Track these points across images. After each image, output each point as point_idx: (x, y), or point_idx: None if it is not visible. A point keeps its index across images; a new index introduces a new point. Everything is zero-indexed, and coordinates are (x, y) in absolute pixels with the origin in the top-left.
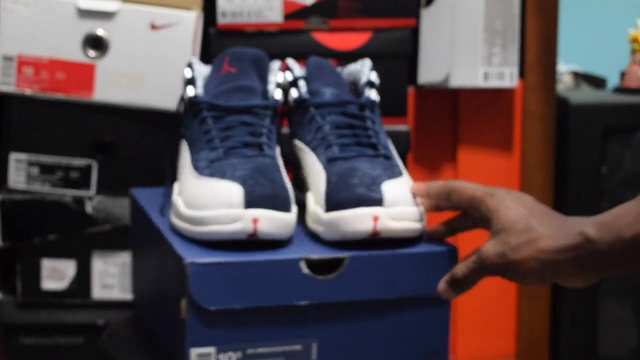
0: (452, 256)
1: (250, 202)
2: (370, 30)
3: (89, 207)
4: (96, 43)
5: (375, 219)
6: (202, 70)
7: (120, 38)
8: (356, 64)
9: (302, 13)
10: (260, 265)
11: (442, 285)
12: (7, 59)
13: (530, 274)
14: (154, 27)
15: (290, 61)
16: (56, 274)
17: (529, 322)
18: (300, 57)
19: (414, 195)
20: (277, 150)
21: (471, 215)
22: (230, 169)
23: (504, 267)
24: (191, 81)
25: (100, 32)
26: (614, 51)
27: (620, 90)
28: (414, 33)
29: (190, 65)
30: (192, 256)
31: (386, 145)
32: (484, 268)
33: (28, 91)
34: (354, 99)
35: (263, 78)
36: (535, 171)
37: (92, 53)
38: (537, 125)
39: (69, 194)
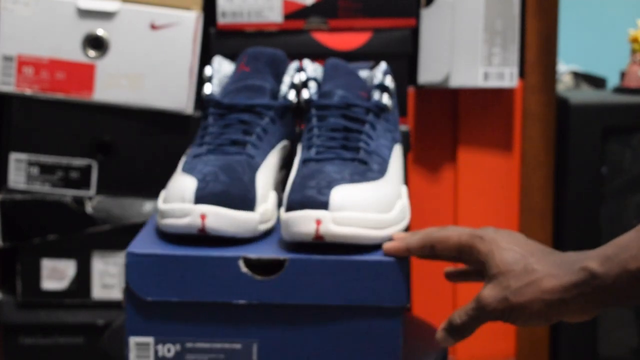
0: (401, 268)
1: (200, 197)
2: (370, 30)
3: (89, 207)
4: (96, 43)
5: (318, 222)
6: (225, 69)
7: (120, 38)
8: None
9: (302, 13)
10: (197, 261)
11: (440, 333)
12: (7, 59)
13: (536, 316)
14: (154, 27)
15: (306, 62)
16: (56, 274)
17: None
18: (300, 57)
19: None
20: (274, 150)
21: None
22: (201, 165)
23: (506, 312)
24: (209, 79)
25: (100, 32)
26: (614, 51)
27: (620, 90)
28: (414, 33)
29: (210, 63)
30: (137, 247)
31: (377, 150)
32: (485, 314)
33: (28, 91)
34: (360, 102)
35: (278, 78)
36: (535, 171)
37: (92, 53)
38: (537, 125)
39: (69, 194)
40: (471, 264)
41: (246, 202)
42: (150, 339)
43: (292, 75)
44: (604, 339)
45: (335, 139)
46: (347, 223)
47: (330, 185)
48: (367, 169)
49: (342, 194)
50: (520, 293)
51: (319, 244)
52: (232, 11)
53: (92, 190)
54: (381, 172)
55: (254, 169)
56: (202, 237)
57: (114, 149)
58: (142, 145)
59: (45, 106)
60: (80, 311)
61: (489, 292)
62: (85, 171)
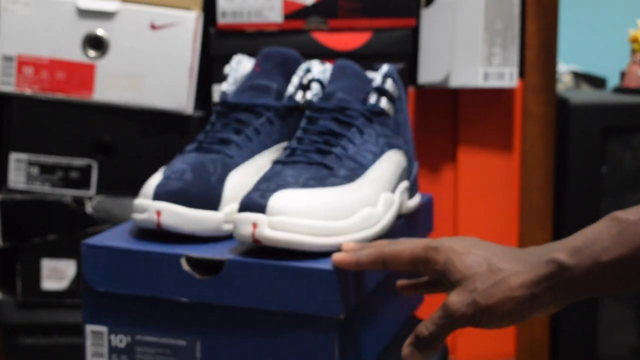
0: (338, 278)
1: (158, 194)
2: (370, 30)
3: (89, 207)
4: (96, 43)
5: (255, 225)
6: (245, 68)
7: (120, 38)
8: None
9: (302, 13)
10: (142, 255)
11: (406, 349)
12: (7, 59)
13: (508, 316)
14: (154, 27)
15: (314, 62)
16: (56, 274)
17: (529, 322)
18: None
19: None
20: (268, 151)
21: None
22: (177, 162)
23: (477, 316)
24: (225, 77)
25: (100, 32)
26: (614, 51)
27: (620, 90)
28: (414, 33)
29: (230, 62)
30: (95, 239)
31: (354, 155)
32: (454, 321)
33: (28, 91)
34: (353, 105)
35: (289, 79)
36: (535, 171)
37: (92, 53)
38: (537, 125)
39: (69, 194)
40: (428, 275)
41: (207, 201)
42: (104, 329)
43: (300, 76)
44: (604, 339)
45: (316, 142)
46: (283, 228)
47: (277, 189)
48: (331, 174)
49: (283, 199)
50: (489, 294)
51: (275, 248)
52: (232, 11)
53: (92, 190)
54: (349, 178)
55: (228, 168)
56: (166, 234)
57: (114, 149)
58: (142, 145)
59: (45, 106)
60: (80, 311)
61: (455, 298)
62: (85, 171)
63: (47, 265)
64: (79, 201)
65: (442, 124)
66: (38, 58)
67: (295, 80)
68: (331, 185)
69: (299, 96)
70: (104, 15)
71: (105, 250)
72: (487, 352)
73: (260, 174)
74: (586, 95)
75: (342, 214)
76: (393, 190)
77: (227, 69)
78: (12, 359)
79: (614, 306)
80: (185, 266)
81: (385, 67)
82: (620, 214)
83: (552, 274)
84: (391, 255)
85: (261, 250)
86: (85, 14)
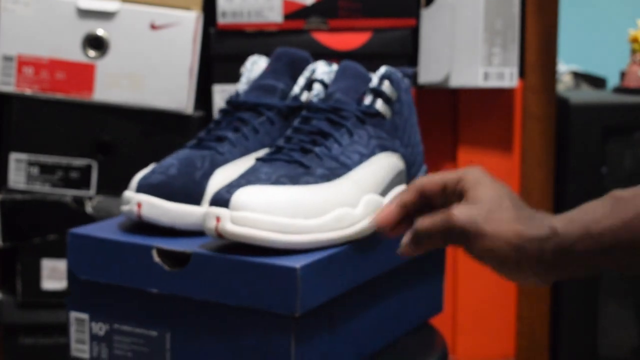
0: (292, 274)
1: (140, 187)
2: (370, 31)
3: (89, 207)
4: (96, 43)
5: (218, 219)
6: (260, 68)
7: (120, 38)
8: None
9: (302, 13)
10: (117, 245)
11: (403, 240)
12: (7, 59)
13: (494, 251)
14: (154, 27)
15: (319, 63)
16: (56, 274)
17: (529, 322)
18: None
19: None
20: (266, 150)
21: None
22: (170, 157)
23: (471, 235)
24: (239, 77)
25: (100, 32)
26: (614, 51)
27: (620, 90)
28: (414, 33)
29: (246, 62)
30: (81, 229)
31: (338, 156)
32: (450, 229)
33: (28, 91)
34: (346, 106)
35: (297, 79)
36: (535, 171)
37: (92, 53)
38: (537, 125)
39: (69, 194)
40: (451, 195)
41: (189, 195)
42: (85, 316)
43: (306, 76)
44: (604, 339)
45: (303, 142)
46: (245, 223)
47: (246, 185)
48: (306, 172)
49: (247, 194)
50: (491, 221)
51: (247, 244)
52: (232, 11)
53: (92, 190)
54: (327, 177)
55: (216, 165)
56: (152, 227)
57: (114, 149)
58: (142, 145)
59: (45, 106)
60: None
61: (461, 210)
62: (85, 171)
63: (47, 265)
64: (79, 201)
65: (442, 124)
66: (38, 58)
67: (301, 81)
68: (305, 183)
69: (304, 96)
70: (104, 15)
71: (87, 239)
72: (487, 352)
73: (222, 170)
74: (586, 95)
75: (311, 212)
76: (384, 193)
77: (242, 69)
78: (12, 359)
79: (614, 306)
80: (155, 257)
81: (382, 69)
82: (618, 191)
83: (545, 236)
84: (426, 180)
85: (232, 245)
86: (85, 14)
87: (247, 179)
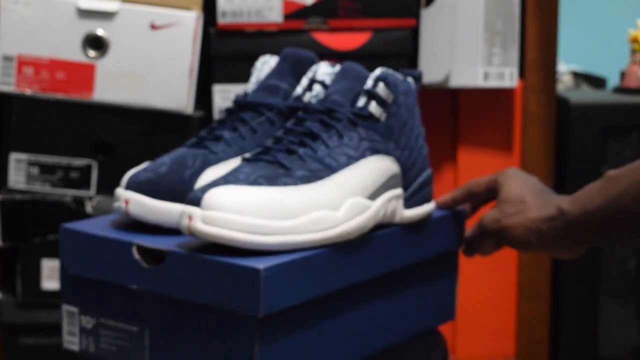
0: (259, 276)
1: (129, 184)
2: (370, 30)
3: (89, 207)
4: (96, 43)
5: (190, 218)
6: (270, 69)
7: (120, 38)
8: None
9: (302, 13)
10: (101, 241)
11: (462, 246)
12: (7, 58)
13: (518, 238)
14: (154, 27)
15: (322, 64)
16: (56, 274)
17: (529, 322)
18: None
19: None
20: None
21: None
22: (165, 155)
23: (498, 232)
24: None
25: (100, 32)
26: (614, 51)
27: (620, 90)
28: (414, 33)
29: (257, 62)
30: (74, 224)
31: (323, 158)
32: (483, 232)
33: (28, 91)
34: (342, 107)
35: (301, 80)
36: (535, 171)
37: (92, 53)
38: (537, 125)
39: (69, 194)
40: (493, 192)
41: (176, 193)
42: (75, 309)
43: (309, 77)
44: (604, 339)
45: (291, 143)
46: (215, 223)
47: (224, 184)
48: (286, 174)
49: (219, 195)
50: (510, 217)
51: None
52: (232, 11)
53: (92, 190)
54: (307, 179)
55: (207, 164)
56: (143, 224)
57: (114, 149)
58: (142, 145)
59: (45, 106)
60: None
61: (488, 214)
62: (85, 171)
63: (47, 265)
64: (79, 201)
65: (442, 124)
66: (38, 58)
67: (304, 82)
68: (283, 184)
69: (306, 97)
70: (104, 15)
71: (77, 234)
72: (487, 352)
73: (212, 169)
74: (586, 95)
75: (285, 214)
76: (373, 197)
77: (253, 69)
78: (12, 359)
79: (614, 306)
80: (135, 254)
81: (378, 71)
82: (610, 172)
83: (555, 216)
84: (473, 182)
85: (210, 245)
86: (85, 13)
87: (226, 178)
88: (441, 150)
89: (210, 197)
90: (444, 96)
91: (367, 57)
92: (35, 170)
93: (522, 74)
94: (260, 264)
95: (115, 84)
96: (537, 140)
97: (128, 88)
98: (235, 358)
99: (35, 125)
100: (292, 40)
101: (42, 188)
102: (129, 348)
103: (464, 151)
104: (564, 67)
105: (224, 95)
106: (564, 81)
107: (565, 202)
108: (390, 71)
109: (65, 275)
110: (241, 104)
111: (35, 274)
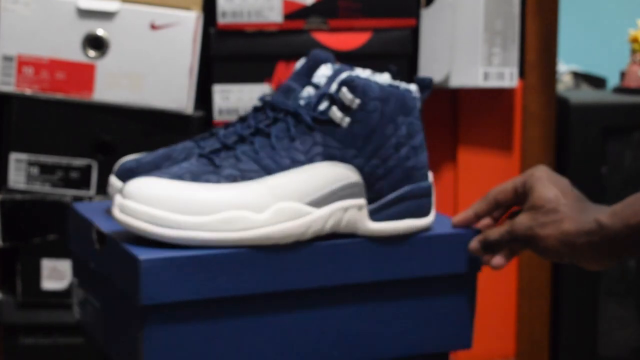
0: (138, 266)
1: (116, 171)
2: (370, 30)
3: None
4: (96, 43)
5: (115, 207)
6: None
7: (120, 38)
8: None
9: (302, 13)
10: (82, 221)
11: (474, 244)
12: (7, 58)
13: (549, 250)
14: (154, 27)
15: (323, 67)
16: (56, 274)
17: (529, 322)
18: (299, 58)
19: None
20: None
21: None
22: (170, 147)
23: (529, 239)
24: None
25: (100, 32)
26: (614, 51)
27: (620, 90)
28: (414, 33)
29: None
30: (81, 205)
31: (260, 159)
32: (513, 238)
33: (28, 91)
34: (303, 110)
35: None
36: None
37: (92, 53)
38: (537, 125)
39: (69, 194)
40: (521, 196)
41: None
42: (76, 281)
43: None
44: (604, 339)
45: (236, 141)
46: (127, 212)
47: (155, 176)
48: (213, 171)
49: (136, 185)
50: (544, 227)
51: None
52: (232, 11)
53: (92, 190)
54: (233, 178)
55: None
56: None
57: (114, 149)
58: (142, 145)
59: (45, 106)
60: None
61: (521, 220)
62: (85, 171)
63: (47, 265)
64: (79, 201)
65: (442, 124)
66: (38, 58)
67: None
68: (204, 181)
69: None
70: (104, 15)
71: (74, 213)
72: (487, 352)
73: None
74: (586, 95)
75: (194, 210)
76: (318, 204)
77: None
78: (12, 359)
79: (614, 306)
80: (93, 235)
81: (344, 74)
82: None
83: (592, 230)
84: (498, 191)
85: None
86: (85, 13)
87: (162, 171)
88: (441, 150)
89: (128, 186)
90: (444, 96)
91: (367, 57)
92: (35, 170)
93: (522, 74)
94: (148, 255)
95: (115, 84)
96: (537, 141)
97: (128, 88)
98: (132, 344)
99: (35, 125)
100: (292, 41)
101: (42, 188)
102: (98, 322)
103: (464, 151)
104: (564, 67)
105: (224, 95)
106: (564, 81)
107: (603, 215)
108: (356, 76)
109: (70, 254)
110: (257, 106)
111: (35, 274)
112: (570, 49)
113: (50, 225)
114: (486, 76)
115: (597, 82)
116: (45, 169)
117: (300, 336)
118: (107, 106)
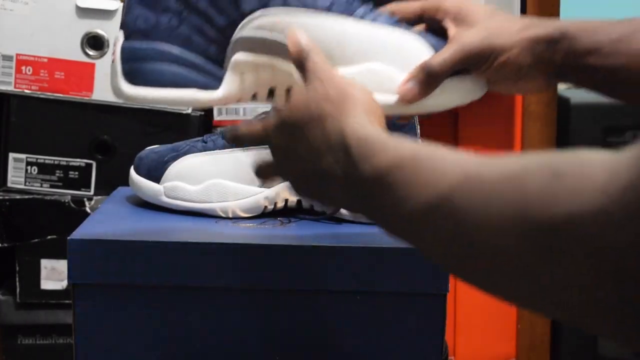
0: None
1: (135, 159)
2: None
3: (88, 207)
4: (95, 42)
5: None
6: None
7: None
8: None
9: None
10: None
11: (407, 84)
12: (6, 58)
13: (509, 61)
14: None
15: None
16: (55, 274)
17: (529, 322)
18: None
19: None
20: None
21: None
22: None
23: (486, 53)
24: None
25: (100, 31)
26: None
27: None
28: None
29: None
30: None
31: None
32: (465, 55)
33: (27, 91)
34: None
35: None
36: None
37: (91, 52)
38: (537, 125)
39: (68, 193)
40: (431, 21)
41: (150, 172)
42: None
43: None
44: (604, 339)
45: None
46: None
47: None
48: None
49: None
50: (500, 34)
51: None
52: None
53: (91, 191)
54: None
55: (191, 152)
56: None
57: (113, 149)
58: (141, 145)
59: (44, 106)
60: None
61: (471, 33)
62: (84, 171)
63: (46, 265)
64: (78, 201)
65: (442, 124)
66: (37, 57)
67: None
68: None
69: None
70: (104, 15)
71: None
72: (487, 353)
73: (219, 164)
74: (586, 95)
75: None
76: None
77: None
78: (11, 359)
79: None
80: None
81: None
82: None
83: (557, 38)
84: (402, 6)
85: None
86: (84, 13)
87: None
88: None
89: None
90: None
91: None
92: (34, 170)
93: None
94: (77, 235)
95: None
96: (537, 140)
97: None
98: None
99: (34, 125)
100: None
101: (41, 188)
102: None
103: (463, 151)
104: None
105: None
106: None
107: (570, 26)
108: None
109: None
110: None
111: (34, 274)
112: None
113: (49, 225)
114: None
115: None
116: (44, 169)
117: (226, 333)
118: (107, 106)
